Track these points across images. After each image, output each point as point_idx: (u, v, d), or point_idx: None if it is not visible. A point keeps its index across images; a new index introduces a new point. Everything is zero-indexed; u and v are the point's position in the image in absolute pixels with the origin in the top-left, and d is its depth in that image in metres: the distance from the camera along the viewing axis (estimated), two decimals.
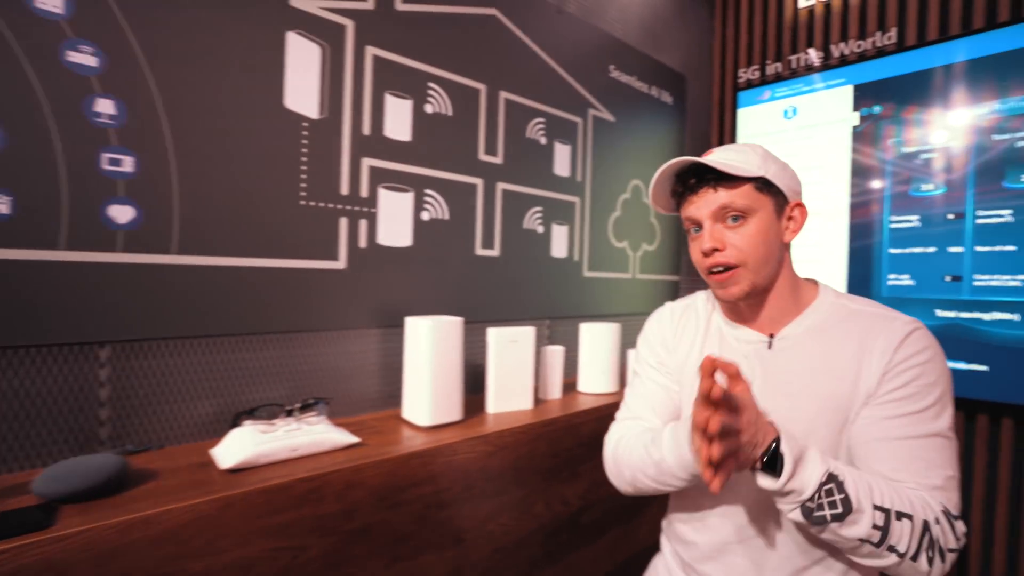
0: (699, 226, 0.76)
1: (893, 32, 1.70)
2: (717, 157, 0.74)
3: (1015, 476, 1.51)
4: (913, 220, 1.64)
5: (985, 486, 1.56)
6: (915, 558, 0.61)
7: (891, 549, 0.61)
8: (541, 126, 1.42)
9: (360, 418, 1.08)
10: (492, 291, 1.33)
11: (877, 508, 0.61)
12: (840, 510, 0.60)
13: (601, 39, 1.61)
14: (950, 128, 1.57)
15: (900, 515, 0.61)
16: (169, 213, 0.86)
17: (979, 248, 1.54)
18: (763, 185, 0.73)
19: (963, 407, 1.60)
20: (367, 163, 1.09)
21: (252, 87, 0.93)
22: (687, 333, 0.86)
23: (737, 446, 0.60)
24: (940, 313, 1.60)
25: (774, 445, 0.61)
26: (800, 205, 0.77)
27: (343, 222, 1.07)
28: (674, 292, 2.00)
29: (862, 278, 1.74)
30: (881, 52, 1.71)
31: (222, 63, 0.90)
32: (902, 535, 0.61)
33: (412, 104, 1.16)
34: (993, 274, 1.51)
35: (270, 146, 0.96)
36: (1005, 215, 1.49)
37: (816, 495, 0.60)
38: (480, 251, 1.30)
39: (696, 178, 0.74)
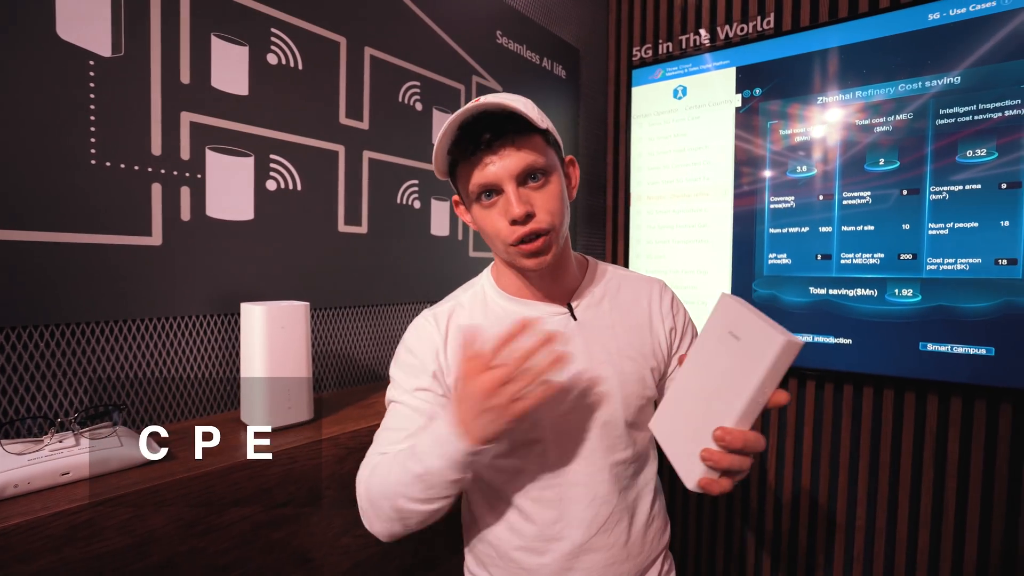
0: (494, 191, 0.65)
1: (772, 17, 1.74)
2: (506, 102, 0.63)
3: (874, 438, 1.62)
4: (790, 201, 1.70)
5: (850, 449, 1.66)
6: None
7: None
8: (416, 90, 1.29)
9: (187, 424, 0.91)
10: (360, 272, 1.19)
11: None
12: None
13: (487, 1, 1.49)
14: (821, 112, 1.63)
15: None
16: None
17: (845, 228, 1.62)
18: (550, 139, 0.68)
19: (831, 379, 1.69)
20: (188, 118, 0.90)
21: (7, 4, 0.72)
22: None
23: None
24: (813, 291, 1.67)
25: None
26: (574, 162, 0.74)
27: (156, 189, 0.87)
28: None
29: (746, 257, 1.78)
30: (762, 36, 1.74)
31: None
32: None
33: (249, 52, 0.98)
34: (856, 252, 1.60)
35: (39, 86, 0.75)
36: (865, 196, 1.57)
37: None
38: (344, 227, 1.15)
39: (491, 133, 0.63)
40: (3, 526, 0.55)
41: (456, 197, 0.75)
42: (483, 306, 0.75)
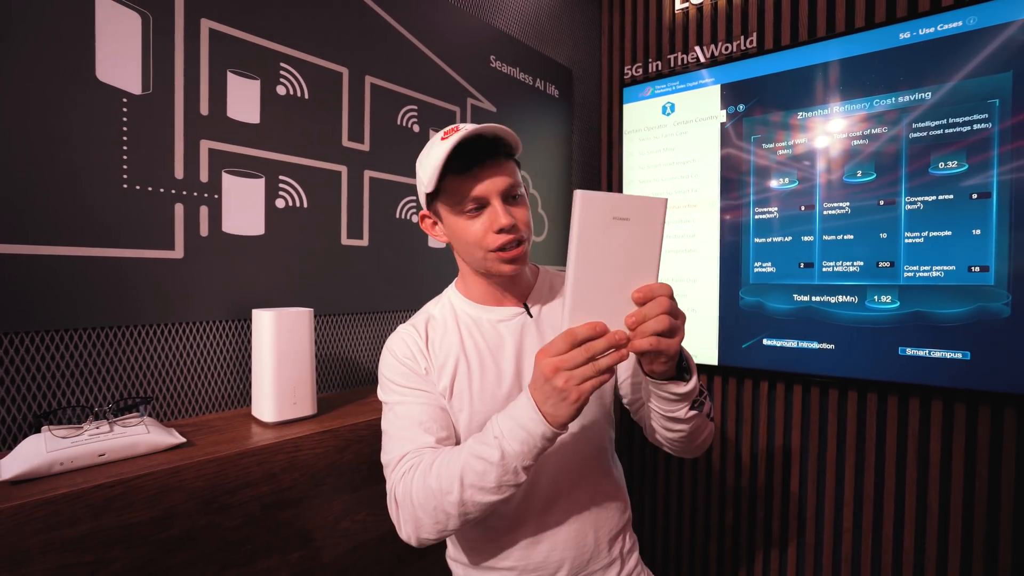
0: (482, 204, 0.73)
1: (754, 36, 1.82)
2: (498, 129, 0.73)
3: (859, 441, 1.68)
4: (773, 212, 1.78)
5: (836, 452, 1.72)
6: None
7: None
8: (413, 114, 1.40)
9: (204, 418, 1.01)
10: (362, 282, 1.29)
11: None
12: (703, 385, 0.70)
13: (480, 28, 1.60)
14: (802, 127, 1.71)
15: None
16: None
17: (826, 237, 1.69)
18: (520, 167, 0.79)
19: (816, 383, 1.75)
20: (206, 145, 1.02)
21: (56, 54, 0.84)
22: (438, 340, 0.81)
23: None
24: (797, 297, 1.74)
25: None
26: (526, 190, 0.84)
27: (179, 208, 0.99)
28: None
29: (733, 266, 1.86)
30: (745, 54, 1.83)
31: (15, 25, 0.80)
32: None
33: (260, 85, 1.09)
34: (837, 261, 1.67)
35: (81, 122, 0.87)
36: (845, 207, 1.64)
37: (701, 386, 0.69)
38: (347, 241, 1.26)
39: (486, 153, 0.71)
40: (53, 495, 0.66)
41: (425, 212, 0.81)
42: (452, 315, 0.84)
